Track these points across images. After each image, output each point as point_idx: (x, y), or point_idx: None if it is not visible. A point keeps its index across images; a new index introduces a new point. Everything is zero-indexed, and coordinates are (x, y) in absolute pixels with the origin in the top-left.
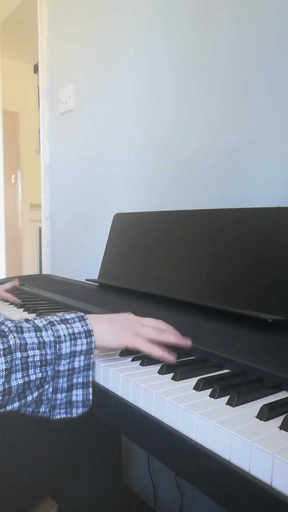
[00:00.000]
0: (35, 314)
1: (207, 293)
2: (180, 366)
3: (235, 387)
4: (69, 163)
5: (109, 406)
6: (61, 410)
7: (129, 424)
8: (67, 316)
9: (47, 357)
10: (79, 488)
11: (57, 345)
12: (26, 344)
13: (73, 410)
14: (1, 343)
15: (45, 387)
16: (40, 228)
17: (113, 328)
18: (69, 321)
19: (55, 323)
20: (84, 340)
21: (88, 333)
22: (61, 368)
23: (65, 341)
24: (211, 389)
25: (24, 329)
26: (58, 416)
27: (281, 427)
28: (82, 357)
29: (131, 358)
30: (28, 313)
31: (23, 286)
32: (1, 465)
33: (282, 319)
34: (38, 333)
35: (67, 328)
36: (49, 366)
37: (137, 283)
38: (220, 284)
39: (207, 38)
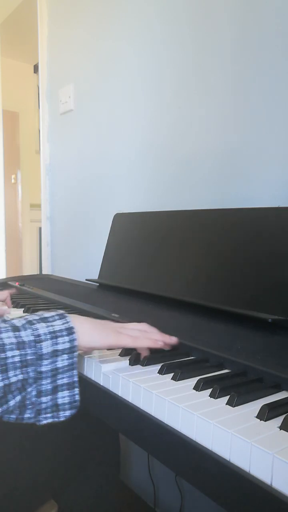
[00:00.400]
0: None
1: (207, 293)
2: (180, 366)
3: (235, 387)
4: (69, 163)
5: (109, 406)
6: (47, 415)
7: (129, 424)
8: (46, 314)
9: (27, 358)
10: (79, 488)
11: (37, 344)
12: (3, 344)
13: (60, 413)
14: None
15: (28, 390)
16: (40, 228)
17: (95, 327)
18: (49, 319)
19: (34, 322)
20: (66, 338)
21: (70, 331)
22: (43, 369)
23: (46, 339)
24: (211, 389)
25: (1, 329)
26: (45, 421)
27: (281, 427)
28: (65, 356)
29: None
30: (28, 313)
31: (23, 286)
32: (2, 467)
33: (282, 319)
34: (16, 332)
35: (47, 327)
36: (30, 367)
37: (137, 283)
38: (220, 284)
39: (207, 38)
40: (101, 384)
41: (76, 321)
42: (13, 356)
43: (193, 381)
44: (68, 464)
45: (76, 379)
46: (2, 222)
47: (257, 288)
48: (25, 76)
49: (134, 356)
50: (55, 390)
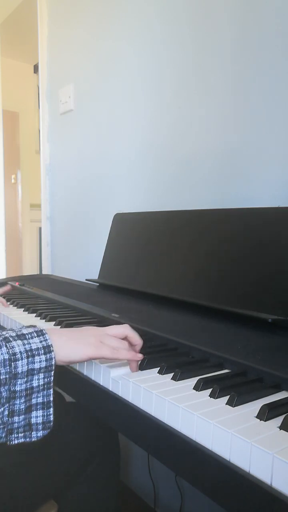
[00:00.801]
0: (35, 314)
1: (207, 293)
2: (180, 366)
3: (235, 387)
4: (69, 163)
5: (109, 406)
6: (19, 434)
7: (129, 424)
8: (24, 331)
9: (1, 377)
10: (79, 489)
11: (12, 363)
12: None
13: (33, 433)
14: None
15: (0, 410)
16: (40, 228)
17: (74, 341)
18: (26, 336)
19: (10, 339)
20: (43, 357)
21: (48, 349)
22: (18, 388)
23: (21, 358)
24: (211, 389)
25: None
26: (16, 441)
27: (281, 427)
28: (41, 375)
29: None
30: (28, 313)
31: (23, 286)
32: (3, 469)
33: (282, 319)
34: None
35: (24, 344)
36: (3, 386)
37: (137, 283)
38: (220, 284)
39: (207, 38)
40: (101, 384)
41: (54, 336)
42: None
43: (193, 381)
44: (69, 466)
45: (51, 398)
46: (2, 222)
47: (257, 288)
48: (25, 76)
49: None
50: (29, 409)
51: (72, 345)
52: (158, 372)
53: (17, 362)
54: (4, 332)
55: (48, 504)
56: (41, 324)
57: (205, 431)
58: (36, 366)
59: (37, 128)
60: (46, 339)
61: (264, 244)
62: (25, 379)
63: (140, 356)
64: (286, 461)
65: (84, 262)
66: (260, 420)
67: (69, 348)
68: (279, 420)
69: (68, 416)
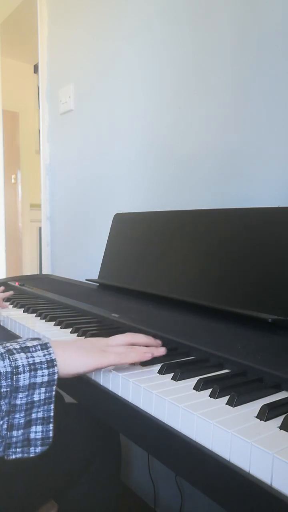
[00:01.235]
0: (35, 314)
1: (207, 293)
2: (180, 366)
3: (235, 387)
4: (69, 163)
5: (109, 407)
6: (17, 449)
7: (129, 424)
8: (29, 343)
9: (1, 390)
10: (80, 489)
11: (14, 376)
12: None
13: (31, 449)
14: None
15: None
16: (40, 228)
17: (79, 353)
18: (30, 349)
19: (14, 351)
20: (46, 371)
21: (51, 363)
22: (18, 402)
23: (24, 372)
24: (211, 389)
25: None
26: (13, 456)
27: (281, 427)
28: (42, 390)
29: None
30: (28, 313)
31: (23, 286)
32: (4, 469)
33: (282, 319)
34: None
35: (27, 358)
36: (3, 399)
37: (137, 283)
38: (220, 284)
39: (207, 38)
40: (101, 384)
41: (58, 349)
42: None
43: (193, 381)
44: (69, 465)
45: (51, 414)
46: (2, 222)
47: (257, 288)
48: (25, 76)
49: None
50: (28, 424)
51: (77, 357)
52: (158, 372)
53: (19, 376)
54: (8, 344)
55: (48, 504)
56: (41, 324)
57: (205, 431)
58: (38, 380)
59: (37, 128)
60: (50, 353)
61: (264, 244)
62: (26, 393)
63: (148, 355)
64: (286, 461)
65: (84, 262)
66: (260, 420)
67: (74, 361)
68: (279, 420)
69: (68, 417)
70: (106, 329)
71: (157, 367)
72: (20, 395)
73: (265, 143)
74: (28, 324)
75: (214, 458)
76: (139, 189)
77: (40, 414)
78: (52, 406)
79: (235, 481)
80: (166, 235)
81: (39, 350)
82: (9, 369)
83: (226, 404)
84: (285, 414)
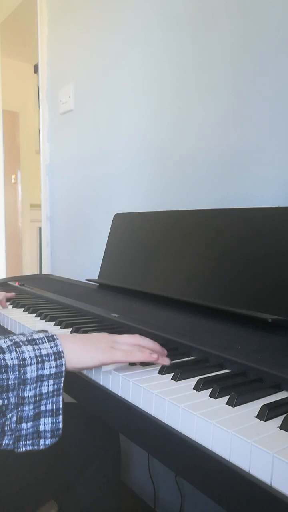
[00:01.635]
0: (35, 314)
1: (207, 293)
2: (180, 366)
3: (235, 387)
4: (69, 163)
5: (109, 406)
6: (27, 442)
7: (129, 424)
8: (35, 336)
9: (9, 382)
10: (79, 489)
11: (22, 368)
12: None
13: (41, 441)
14: None
15: (8, 416)
16: (40, 228)
17: (86, 346)
18: (37, 341)
19: (21, 344)
20: (53, 363)
21: (58, 355)
22: (26, 394)
23: (31, 364)
24: (211, 389)
25: None
26: (24, 449)
27: (281, 427)
28: (51, 382)
29: None
30: (28, 313)
31: (23, 286)
32: (4, 469)
33: (282, 319)
34: (0, 355)
35: (34, 350)
36: (11, 392)
37: (137, 283)
38: (220, 284)
39: (207, 38)
40: (101, 384)
41: (65, 341)
42: None
43: (193, 381)
44: (69, 465)
45: (60, 406)
46: (2, 222)
47: (257, 288)
48: (25, 76)
49: None
50: (37, 416)
51: (84, 351)
52: (158, 372)
53: (27, 368)
54: (14, 336)
55: (48, 504)
56: (41, 324)
57: (205, 431)
58: (46, 372)
59: (37, 128)
60: (57, 345)
61: (264, 244)
62: (34, 385)
63: (155, 356)
64: (286, 461)
65: (84, 262)
66: (260, 420)
67: (81, 354)
68: (279, 420)
69: (68, 417)
70: (106, 329)
71: (157, 367)
72: (28, 387)
73: (265, 143)
74: (28, 324)
75: (214, 458)
76: (139, 189)
77: (49, 406)
78: (60, 398)
79: (235, 481)
80: (166, 235)
81: (46, 342)
82: (16, 362)
83: (226, 404)
84: (285, 414)
